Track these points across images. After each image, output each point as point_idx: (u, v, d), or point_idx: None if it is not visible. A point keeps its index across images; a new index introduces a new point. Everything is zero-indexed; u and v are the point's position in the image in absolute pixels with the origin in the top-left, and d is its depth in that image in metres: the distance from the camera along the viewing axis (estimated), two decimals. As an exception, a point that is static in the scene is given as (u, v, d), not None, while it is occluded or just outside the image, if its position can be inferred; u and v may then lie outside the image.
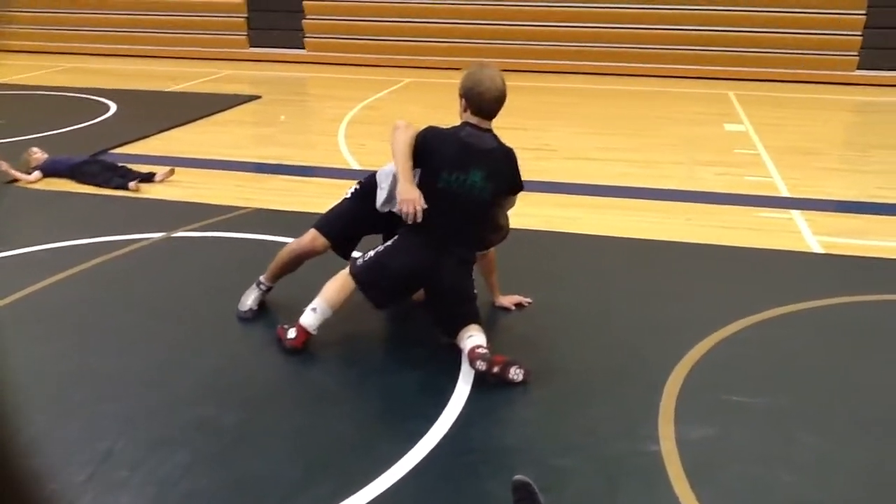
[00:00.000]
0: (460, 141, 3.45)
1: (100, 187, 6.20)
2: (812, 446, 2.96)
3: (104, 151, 7.35)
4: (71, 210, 5.75)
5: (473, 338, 3.43)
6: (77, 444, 2.91)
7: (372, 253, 3.59)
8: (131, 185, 6.15)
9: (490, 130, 3.54)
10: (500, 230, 3.78)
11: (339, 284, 3.56)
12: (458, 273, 3.54)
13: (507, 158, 3.56)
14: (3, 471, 0.79)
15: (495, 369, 3.31)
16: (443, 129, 3.53)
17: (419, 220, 3.37)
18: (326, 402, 3.31)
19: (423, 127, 3.55)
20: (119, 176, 6.28)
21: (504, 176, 3.54)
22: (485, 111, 3.49)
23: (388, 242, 3.59)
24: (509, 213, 3.82)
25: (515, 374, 3.33)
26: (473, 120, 3.50)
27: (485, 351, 3.36)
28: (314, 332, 3.57)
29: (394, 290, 3.62)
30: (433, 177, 3.44)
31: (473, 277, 3.64)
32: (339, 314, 3.63)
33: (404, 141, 3.44)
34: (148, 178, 6.33)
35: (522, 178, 3.68)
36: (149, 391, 3.30)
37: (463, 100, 3.51)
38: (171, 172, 6.44)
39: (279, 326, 3.69)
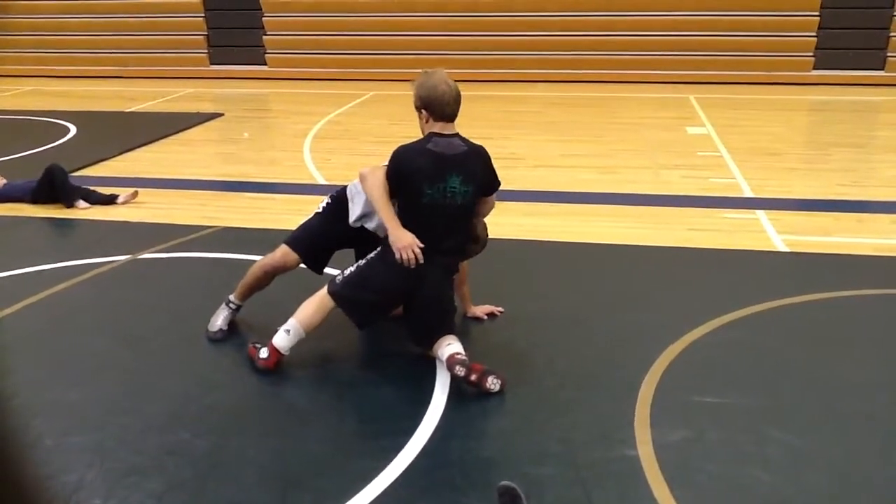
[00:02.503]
0: (430, 152, 3.42)
1: (64, 202, 6.09)
2: (785, 444, 2.99)
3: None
4: (31, 235, 5.64)
5: (452, 346, 3.44)
6: (46, 477, 2.84)
7: (352, 269, 3.54)
8: (81, 204, 6.04)
9: (456, 134, 3.52)
10: (477, 240, 3.76)
11: (315, 306, 3.51)
12: (442, 284, 3.54)
13: (479, 157, 3.53)
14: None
15: (473, 377, 3.31)
16: (411, 145, 3.50)
17: (421, 261, 3.34)
18: (301, 421, 3.27)
19: (385, 162, 3.51)
20: (81, 195, 6.19)
21: (480, 176, 3.51)
22: (448, 114, 3.47)
23: (370, 256, 3.54)
24: (486, 219, 3.80)
25: (493, 383, 3.32)
26: (437, 128, 3.47)
27: (464, 357, 3.37)
28: (286, 353, 3.53)
29: (376, 306, 3.59)
30: (416, 194, 3.40)
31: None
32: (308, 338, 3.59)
33: (377, 185, 3.41)
34: (110, 200, 6.23)
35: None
36: (117, 419, 3.23)
37: (423, 111, 3.48)
38: (135, 195, 6.33)
39: (250, 345, 3.64)
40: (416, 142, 3.50)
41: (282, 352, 3.51)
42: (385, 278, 3.45)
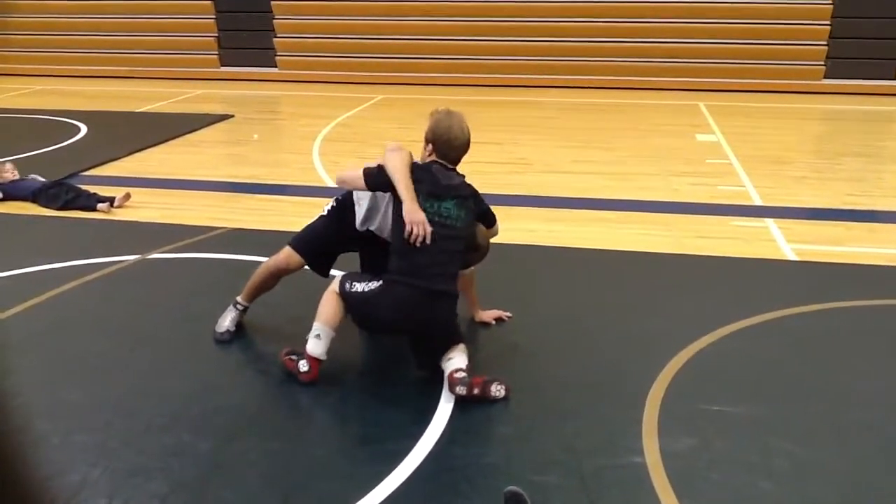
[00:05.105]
0: (432, 174, 3.44)
1: (63, 210, 6.10)
2: (791, 454, 2.97)
3: (75, 174, 7.26)
4: (40, 234, 5.66)
5: (453, 361, 3.38)
6: (48, 477, 2.83)
7: (361, 288, 3.39)
8: (101, 206, 6.06)
9: (455, 170, 3.53)
10: (478, 248, 3.74)
11: (333, 303, 3.46)
12: (448, 314, 3.46)
13: (471, 191, 3.53)
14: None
15: (475, 391, 3.28)
16: (416, 162, 3.52)
17: (428, 242, 3.29)
18: (305, 424, 3.26)
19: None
20: (84, 197, 6.19)
21: (471, 206, 3.51)
22: (451, 158, 3.50)
23: (375, 286, 3.37)
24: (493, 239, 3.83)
25: (497, 390, 3.30)
26: (440, 162, 3.50)
27: (463, 375, 3.31)
28: (324, 359, 3.47)
29: (379, 329, 3.70)
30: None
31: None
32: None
33: (402, 160, 3.40)
34: (109, 201, 6.21)
35: (492, 205, 3.71)
36: (122, 419, 3.23)
37: (430, 145, 3.50)
38: (128, 197, 6.28)
39: (286, 358, 3.53)
40: (421, 162, 3.53)
41: (320, 358, 3.46)
42: (391, 314, 3.35)
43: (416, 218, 3.29)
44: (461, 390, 3.29)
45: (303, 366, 3.45)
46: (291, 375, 3.50)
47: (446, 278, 3.40)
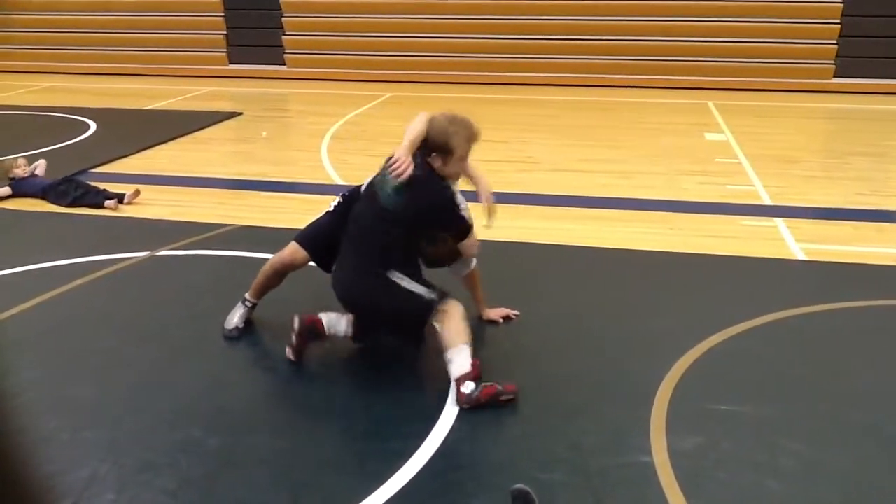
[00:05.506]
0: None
1: (72, 206, 6.13)
2: (798, 454, 2.96)
3: (84, 171, 7.29)
4: (48, 231, 5.68)
5: (453, 365, 3.30)
6: (57, 473, 2.85)
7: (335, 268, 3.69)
8: (109, 203, 6.08)
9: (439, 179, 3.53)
10: (442, 241, 3.64)
11: None
12: (372, 294, 3.45)
13: (430, 203, 3.48)
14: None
15: (483, 400, 3.24)
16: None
17: (403, 177, 3.37)
18: (313, 422, 3.27)
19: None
20: (92, 194, 6.22)
21: (422, 204, 3.44)
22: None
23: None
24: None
25: (505, 398, 3.28)
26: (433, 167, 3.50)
27: (471, 390, 3.23)
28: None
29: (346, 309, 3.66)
30: (367, 184, 3.62)
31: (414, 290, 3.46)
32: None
33: (422, 122, 3.50)
34: (118, 198, 6.23)
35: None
36: (131, 415, 3.25)
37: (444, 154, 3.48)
38: (137, 193, 6.30)
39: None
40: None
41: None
42: (334, 285, 3.60)
43: (401, 155, 3.40)
44: (467, 406, 3.24)
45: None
46: (300, 372, 3.52)
47: (373, 258, 3.44)
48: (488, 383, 3.28)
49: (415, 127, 3.49)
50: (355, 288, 3.51)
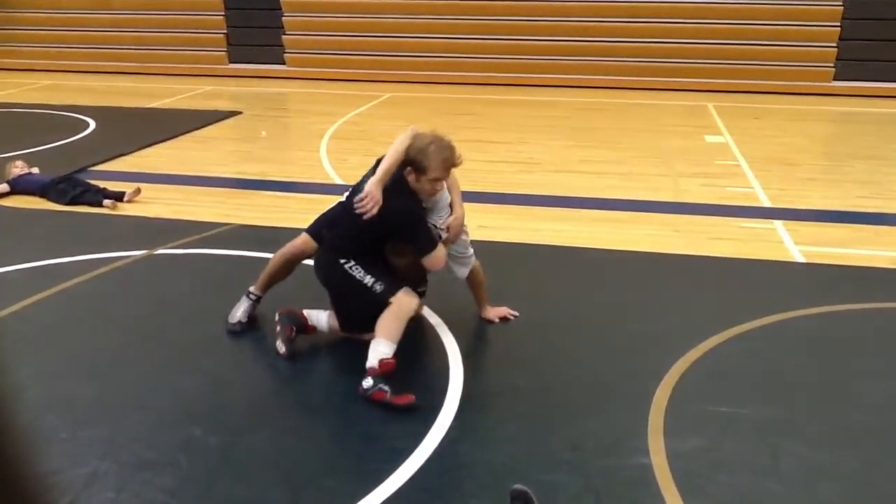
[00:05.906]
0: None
1: (71, 205, 6.13)
2: (798, 456, 2.97)
3: (83, 169, 7.28)
4: (48, 229, 5.68)
5: (370, 355, 3.40)
6: (56, 470, 2.85)
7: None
8: (107, 202, 6.08)
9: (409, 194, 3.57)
10: (402, 253, 3.70)
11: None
12: (338, 276, 3.59)
13: (400, 220, 3.52)
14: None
15: (374, 401, 3.28)
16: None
17: (368, 216, 3.40)
18: (313, 421, 3.27)
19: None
20: (91, 192, 6.21)
21: (385, 212, 3.44)
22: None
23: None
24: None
25: (396, 406, 3.28)
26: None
27: (367, 386, 3.31)
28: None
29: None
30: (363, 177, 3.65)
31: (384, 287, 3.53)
32: (325, 334, 3.58)
33: (403, 142, 3.50)
34: (118, 197, 6.23)
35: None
36: (131, 414, 3.25)
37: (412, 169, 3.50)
38: (138, 192, 6.31)
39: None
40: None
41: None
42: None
43: (371, 190, 3.42)
44: (360, 391, 3.31)
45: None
46: (300, 371, 3.52)
47: (339, 248, 3.59)
48: (385, 388, 3.28)
49: (395, 149, 3.49)
50: (323, 273, 3.71)
